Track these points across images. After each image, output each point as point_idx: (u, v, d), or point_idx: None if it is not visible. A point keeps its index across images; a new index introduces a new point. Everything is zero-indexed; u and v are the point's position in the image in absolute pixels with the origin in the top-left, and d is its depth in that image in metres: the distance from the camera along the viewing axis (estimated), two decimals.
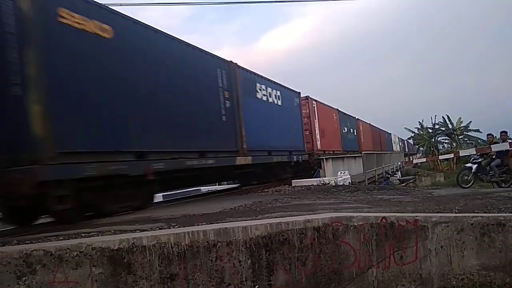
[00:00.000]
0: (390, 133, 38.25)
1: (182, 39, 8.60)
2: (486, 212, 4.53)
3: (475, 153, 11.70)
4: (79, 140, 5.95)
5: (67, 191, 5.59)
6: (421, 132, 46.03)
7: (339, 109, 20.41)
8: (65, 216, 5.72)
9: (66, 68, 5.82)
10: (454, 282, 4.04)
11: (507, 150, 10.61)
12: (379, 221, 4.08)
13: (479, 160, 11.13)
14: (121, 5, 9.76)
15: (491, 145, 11.07)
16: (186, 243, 3.70)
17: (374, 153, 19.88)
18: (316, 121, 16.57)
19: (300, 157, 13.98)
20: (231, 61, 10.44)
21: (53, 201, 5.41)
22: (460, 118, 42.41)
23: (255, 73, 11.82)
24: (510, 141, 11.16)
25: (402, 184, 17.70)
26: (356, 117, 24.95)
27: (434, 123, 43.97)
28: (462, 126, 42.11)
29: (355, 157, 17.93)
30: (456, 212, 4.58)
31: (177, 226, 4.55)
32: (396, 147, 38.72)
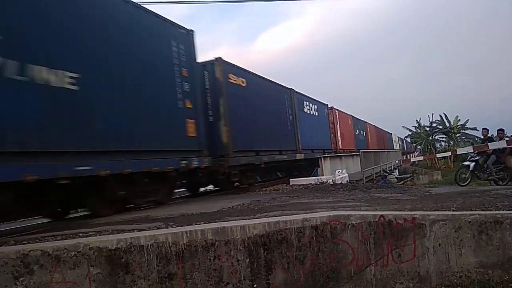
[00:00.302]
0: (391, 133, 41.69)
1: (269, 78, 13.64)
2: (483, 210, 4.54)
3: (472, 151, 11.72)
4: (239, 144, 10.78)
5: (237, 171, 10.70)
6: (419, 131, 46.04)
7: (353, 115, 24.39)
8: (235, 185, 11.09)
9: (232, 104, 10.54)
10: (453, 280, 4.05)
11: (504, 148, 10.64)
12: (377, 220, 4.08)
13: (477, 158, 11.15)
14: None
15: (489, 143, 11.10)
16: (184, 242, 3.69)
17: (371, 151, 19.94)
18: (338, 126, 20.74)
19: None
20: (292, 89, 15.54)
21: (233, 176, 10.51)
22: (457, 116, 42.47)
23: (303, 94, 16.74)
24: (507, 139, 11.17)
25: (400, 183, 17.71)
26: (364, 120, 28.51)
27: (432, 122, 44.05)
28: (459, 125, 42.15)
29: (352, 155, 17.92)
30: (453, 210, 4.58)
31: (175, 226, 4.54)
32: (396, 146, 42.65)
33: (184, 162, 8.11)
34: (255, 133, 11.90)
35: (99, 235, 4.19)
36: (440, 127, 43.30)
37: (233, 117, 10.34)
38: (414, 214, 4.19)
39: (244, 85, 11.34)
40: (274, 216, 4.70)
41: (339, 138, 20.61)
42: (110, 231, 4.48)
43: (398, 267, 4.05)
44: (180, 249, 3.66)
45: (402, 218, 4.11)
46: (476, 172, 11.00)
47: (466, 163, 11.39)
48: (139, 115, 7.12)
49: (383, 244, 4.06)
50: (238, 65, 11.56)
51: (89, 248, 3.50)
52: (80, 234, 4.37)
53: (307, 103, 17.01)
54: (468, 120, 42.27)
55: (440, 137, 45.52)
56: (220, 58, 10.40)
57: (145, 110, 7.28)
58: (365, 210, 4.76)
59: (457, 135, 42.52)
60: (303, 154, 15.30)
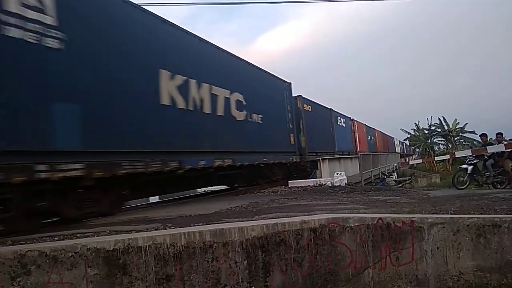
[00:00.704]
0: (394, 138, 46.18)
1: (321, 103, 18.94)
2: (481, 213, 4.54)
3: (471, 154, 11.73)
4: (310, 148, 15.63)
5: (308, 164, 15.31)
6: (417, 133, 46.14)
7: (366, 124, 29.46)
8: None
9: (306, 123, 15.66)
10: (450, 283, 4.05)
11: (502, 152, 10.64)
12: (375, 222, 4.08)
13: (475, 161, 11.16)
14: None
15: (487, 147, 11.11)
16: (182, 243, 3.69)
17: (370, 154, 20.04)
18: (357, 133, 25.57)
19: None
20: (331, 109, 20.80)
21: (307, 167, 15.26)
22: (456, 119, 42.62)
23: (337, 112, 21.81)
24: (505, 142, 11.18)
25: (398, 185, 17.74)
26: (373, 128, 33.28)
27: (430, 125, 44.12)
28: (458, 128, 42.26)
29: (351, 158, 17.97)
30: (452, 213, 4.58)
31: (173, 227, 4.53)
32: (397, 149, 46.87)
33: (291, 158, 14.07)
34: (316, 140, 16.98)
35: (97, 236, 4.18)
36: (439, 130, 43.39)
37: (307, 131, 15.75)
38: (412, 217, 4.19)
39: (310, 110, 16.82)
40: (273, 218, 4.70)
41: (357, 143, 25.43)
42: (108, 232, 4.47)
43: (396, 270, 4.05)
44: (178, 251, 3.66)
45: (401, 221, 4.11)
46: (474, 175, 11.00)
47: (464, 166, 11.39)
48: (276, 133, 13.22)
49: (381, 247, 4.05)
50: (307, 97, 17.16)
51: (86, 248, 3.50)
52: (78, 235, 4.36)
53: (339, 118, 22.37)
54: (466, 123, 42.46)
55: (438, 140, 45.64)
56: (300, 95, 16.05)
57: (278, 131, 13.50)
58: (364, 213, 4.75)
59: (456, 138, 42.61)
60: (337, 154, 19.76)
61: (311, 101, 17.47)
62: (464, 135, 42.53)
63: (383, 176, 19.56)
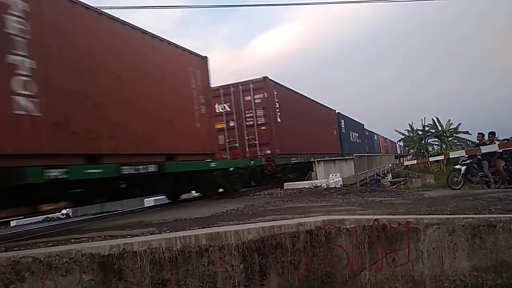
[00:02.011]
0: (395, 142, 53.22)
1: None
2: (476, 214, 4.56)
3: (464, 154, 11.78)
4: (345, 150, 23.19)
5: None
6: (412, 134, 46.31)
7: (383, 135, 39.57)
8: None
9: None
10: (446, 284, 4.06)
11: (494, 152, 10.71)
12: (371, 224, 4.08)
13: (467, 161, 11.22)
14: (110, 8, 9.66)
15: (481, 147, 11.17)
16: (178, 248, 3.67)
17: (365, 155, 20.08)
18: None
19: None
20: (363, 124, 29.00)
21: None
22: (449, 120, 42.83)
23: (371, 130, 31.87)
24: (497, 142, 11.26)
25: (393, 186, 17.78)
26: (380, 134, 41.27)
27: (424, 125, 44.31)
28: (452, 128, 42.48)
29: (346, 159, 18.00)
30: (447, 214, 4.60)
31: (168, 231, 4.51)
32: (397, 151, 52.92)
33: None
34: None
35: (92, 241, 4.14)
36: (433, 130, 43.58)
37: (342, 136, 22.80)
38: (408, 218, 4.20)
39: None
40: (269, 220, 4.69)
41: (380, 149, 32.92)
42: (103, 236, 4.43)
43: (392, 271, 4.05)
44: (174, 255, 3.63)
45: (396, 222, 4.11)
46: (468, 175, 11.06)
47: (458, 166, 11.44)
48: None
49: (377, 248, 4.06)
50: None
51: (81, 254, 3.46)
52: (72, 240, 4.32)
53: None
54: (460, 123, 42.67)
55: (432, 141, 45.79)
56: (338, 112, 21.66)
57: None
58: (359, 214, 4.76)
59: (450, 139, 42.81)
60: (347, 156, 21.95)
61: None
62: (458, 135, 42.74)
63: (378, 177, 19.58)
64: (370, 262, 4.03)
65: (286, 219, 4.61)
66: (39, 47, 5.62)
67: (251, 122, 13.95)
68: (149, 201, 12.72)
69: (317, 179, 13.46)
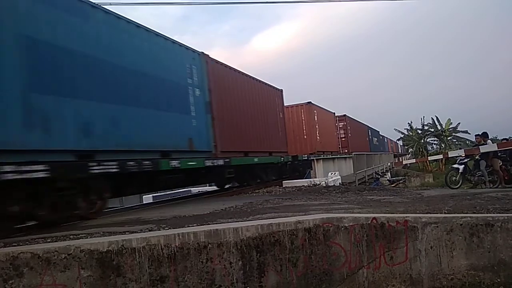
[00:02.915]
0: (394, 140, 53.44)
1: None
2: (475, 213, 4.57)
3: (464, 154, 11.80)
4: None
5: None
6: (411, 133, 46.27)
7: (392, 139, 44.67)
8: None
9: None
10: (444, 282, 4.07)
11: (489, 152, 10.74)
12: (369, 222, 4.09)
13: (465, 160, 11.24)
14: (110, 4, 9.65)
15: (480, 146, 11.19)
16: (177, 244, 3.67)
17: (364, 154, 20.10)
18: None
19: None
20: (378, 131, 37.33)
21: None
22: (449, 119, 42.76)
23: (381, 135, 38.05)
24: (489, 142, 11.31)
25: (392, 185, 17.80)
26: (387, 137, 48.78)
27: (424, 124, 44.25)
28: (451, 127, 42.45)
29: (345, 158, 18.05)
30: (445, 213, 4.61)
31: (167, 228, 4.51)
32: (399, 150, 55.89)
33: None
34: None
35: (90, 237, 4.15)
36: (432, 130, 43.54)
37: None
38: (406, 216, 4.21)
39: None
40: (267, 218, 4.69)
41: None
42: (102, 233, 4.44)
43: (390, 269, 4.06)
44: (173, 252, 3.64)
45: (395, 221, 4.12)
46: (466, 175, 11.08)
47: (455, 166, 11.46)
48: None
49: (375, 247, 4.06)
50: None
51: (80, 250, 3.47)
52: (71, 236, 4.32)
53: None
54: (459, 123, 42.59)
55: (432, 140, 45.71)
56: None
57: None
58: (358, 213, 4.77)
59: (449, 138, 42.80)
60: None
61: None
62: (457, 134, 42.67)
63: (377, 176, 19.62)
64: (368, 260, 4.04)
65: (285, 217, 4.62)
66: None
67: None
68: (147, 198, 12.73)
69: (316, 177, 13.48)
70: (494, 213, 4.50)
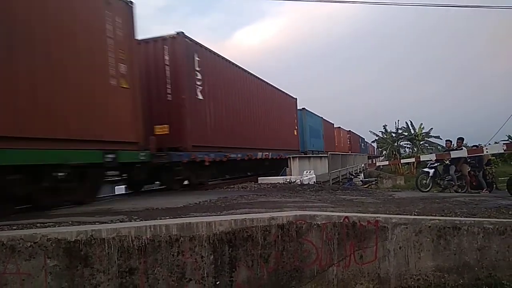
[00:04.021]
0: (369, 142, 56.24)
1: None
2: (443, 216, 4.70)
3: (435, 158, 12.13)
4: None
5: None
6: (385, 136, 47.31)
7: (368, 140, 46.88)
8: None
9: None
10: (411, 283, 4.17)
11: (460, 157, 11.08)
12: (341, 221, 4.14)
13: (435, 165, 11.56)
14: None
15: (450, 152, 11.52)
16: (148, 237, 3.61)
17: (339, 154, 20.36)
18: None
19: None
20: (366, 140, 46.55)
21: None
22: (421, 124, 43.94)
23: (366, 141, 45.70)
24: (464, 148, 11.66)
25: (365, 186, 18.10)
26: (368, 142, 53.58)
27: (398, 128, 45.35)
28: (424, 132, 43.62)
29: (321, 157, 18.21)
30: (415, 215, 4.72)
31: (139, 220, 4.44)
32: (376, 153, 57.24)
33: None
34: None
35: (58, 226, 4.04)
36: (406, 133, 44.61)
37: None
38: (377, 217, 4.28)
39: None
40: (241, 213, 4.69)
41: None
42: (70, 222, 4.33)
43: (359, 268, 4.13)
44: (143, 244, 3.58)
45: (366, 220, 4.19)
46: (436, 179, 11.39)
47: (426, 169, 11.77)
48: None
49: (346, 245, 4.12)
50: None
51: (46, 239, 3.37)
52: (38, 224, 4.20)
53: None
54: (432, 128, 43.85)
55: (405, 143, 46.90)
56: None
57: None
58: (331, 211, 4.82)
59: (421, 142, 43.94)
60: None
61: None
62: (429, 139, 43.95)
63: (351, 176, 19.90)
64: (339, 258, 4.09)
65: (259, 213, 4.62)
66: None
67: None
68: (119, 189, 12.48)
69: (291, 175, 13.57)
70: (461, 217, 4.64)
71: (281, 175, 14.08)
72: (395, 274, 4.17)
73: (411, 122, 44.12)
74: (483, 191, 10.80)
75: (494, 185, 11.75)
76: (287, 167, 15.27)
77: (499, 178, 13.71)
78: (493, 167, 13.13)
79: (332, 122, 32.38)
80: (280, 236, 3.99)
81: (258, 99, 14.73)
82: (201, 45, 10.67)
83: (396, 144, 45.60)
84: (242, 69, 13.49)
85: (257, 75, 14.76)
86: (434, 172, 11.36)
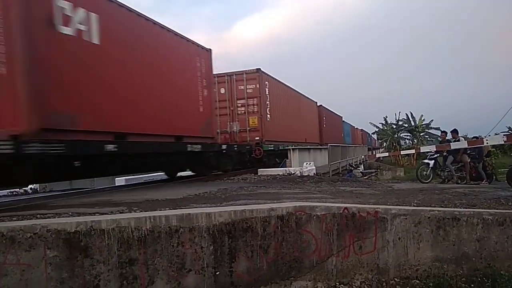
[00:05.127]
0: (373, 135, 57.23)
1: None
2: (442, 207, 4.70)
3: (435, 150, 12.13)
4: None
5: None
6: (385, 128, 47.27)
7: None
8: None
9: None
10: (409, 273, 4.19)
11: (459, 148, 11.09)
12: (341, 212, 4.15)
13: (435, 156, 11.57)
14: None
15: (451, 143, 11.52)
16: (147, 227, 3.62)
17: (339, 145, 20.38)
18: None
19: None
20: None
21: None
22: (422, 115, 43.89)
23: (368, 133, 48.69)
24: (462, 138, 11.67)
25: (365, 177, 18.13)
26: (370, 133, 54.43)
27: (398, 120, 45.29)
28: (424, 124, 43.58)
29: (320, 149, 18.20)
30: (414, 206, 4.72)
31: (139, 211, 4.45)
32: (378, 144, 57.12)
33: None
34: None
35: (58, 217, 4.05)
36: (406, 125, 44.56)
37: None
38: (377, 207, 4.28)
39: None
40: (241, 204, 4.69)
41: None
42: (70, 213, 4.34)
43: (358, 258, 4.14)
44: (143, 235, 3.59)
45: (365, 211, 4.19)
46: (436, 170, 11.41)
47: (426, 161, 11.78)
48: None
49: (345, 236, 4.13)
50: None
51: (46, 230, 3.37)
52: (38, 216, 4.21)
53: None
54: (432, 120, 43.82)
55: (405, 135, 46.90)
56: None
57: None
58: (330, 202, 4.82)
59: (421, 134, 43.91)
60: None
61: None
62: (430, 131, 43.90)
63: (351, 167, 19.92)
64: (338, 249, 4.11)
65: (258, 204, 4.63)
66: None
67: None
68: (120, 181, 12.53)
69: (291, 167, 13.58)
70: (460, 208, 4.65)
71: (281, 167, 14.07)
72: (394, 265, 4.19)
73: (411, 113, 44.12)
74: (483, 182, 10.81)
75: (494, 177, 11.76)
76: (287, 158, 15.27)
77: (499, 170, 13.71)
78: (493, 158, 13.15)
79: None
80: (279, 227, 3.99)
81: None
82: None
83: (396, 135, 45.58)
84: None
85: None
86: (435, 163, 11.37)
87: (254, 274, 3.90)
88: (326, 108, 27.37)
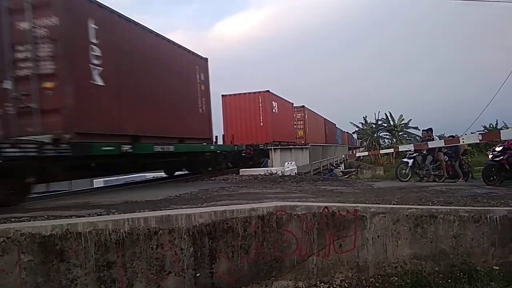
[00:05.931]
0: (350, 133, 56.91)
1: None
2: (420, 205, 4.79)
3: (414, 149, 12.33)
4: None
5: None
6: (365, 127, 47.90)
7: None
8: None
9: None
10: (388, 270, 4.24)
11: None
12: (321, 211, 4.17)
13: (414, 155, 11.76)
14: None
15: (428, 142, 11.73)
16: (126, 230, 3.55)
17: (320, 145, 20.53)
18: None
19: None
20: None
21: None
22: (401, 115, 44.65)
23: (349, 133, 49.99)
24: (435, 137, 11.89)
25: (345, 176, 18.32)
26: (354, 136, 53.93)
27: (377, 119, 45.94)
28: (403, 123, 44.32)
29: (302, 148, 18.32)
30: (393, 204, 4.79)
31: (117, 213, 4.37)
32: (358, 144, 57.58)
33: None
34: None
35: (33, 220, 3.93)
36: (385, 125, 45.24)
37: None
38: (356, 206, 4.32)
39: None
40: (222, 205, 4.66)
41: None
42: (46, 216, 4.23)
43: (338, 257, 4.17)
44: (121, 237, 3.52)
45: (345, 210, 4.23)
46: (415, 169, 11.60)
47: (405, 160, 11.97)
48: None
49: (326, 235, 4.15)
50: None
51: (20, 234, 3.27)
52: (12, 219, 4.09)
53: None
54: (410, 119, 44.58)
55: (384, 135, 47.60)
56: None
57: None
58: (311, 202, 4.84)
59: (400, 133, 44.66)
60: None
61: None
62: (408, 130, 44.67)
63: (331, 167, 20.13)
64: (318, 248, 4.13)
65: (239, 204, 4.61)
66: None
67: None
68: (98, 182, 12.31)
69: (273, 167, 13.62)
70: (437, 205, 4.74)
71: (263, 167, 14.10)
72: (373, 262, 4.24)
73: (390, 113, 44.79)
74: (460, 180, 11.04)
75: (470, 174, 12.04)
76: (269, 158, 15.31)
77: (475, 168, 14.08)
78: (469, 156, 13.46)
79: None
80: (260, 227, 3.98)
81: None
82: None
83: (375, 135, 46.21)
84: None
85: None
86: (413, 162, 11.55)
87: (235, 274, 3.88)
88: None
